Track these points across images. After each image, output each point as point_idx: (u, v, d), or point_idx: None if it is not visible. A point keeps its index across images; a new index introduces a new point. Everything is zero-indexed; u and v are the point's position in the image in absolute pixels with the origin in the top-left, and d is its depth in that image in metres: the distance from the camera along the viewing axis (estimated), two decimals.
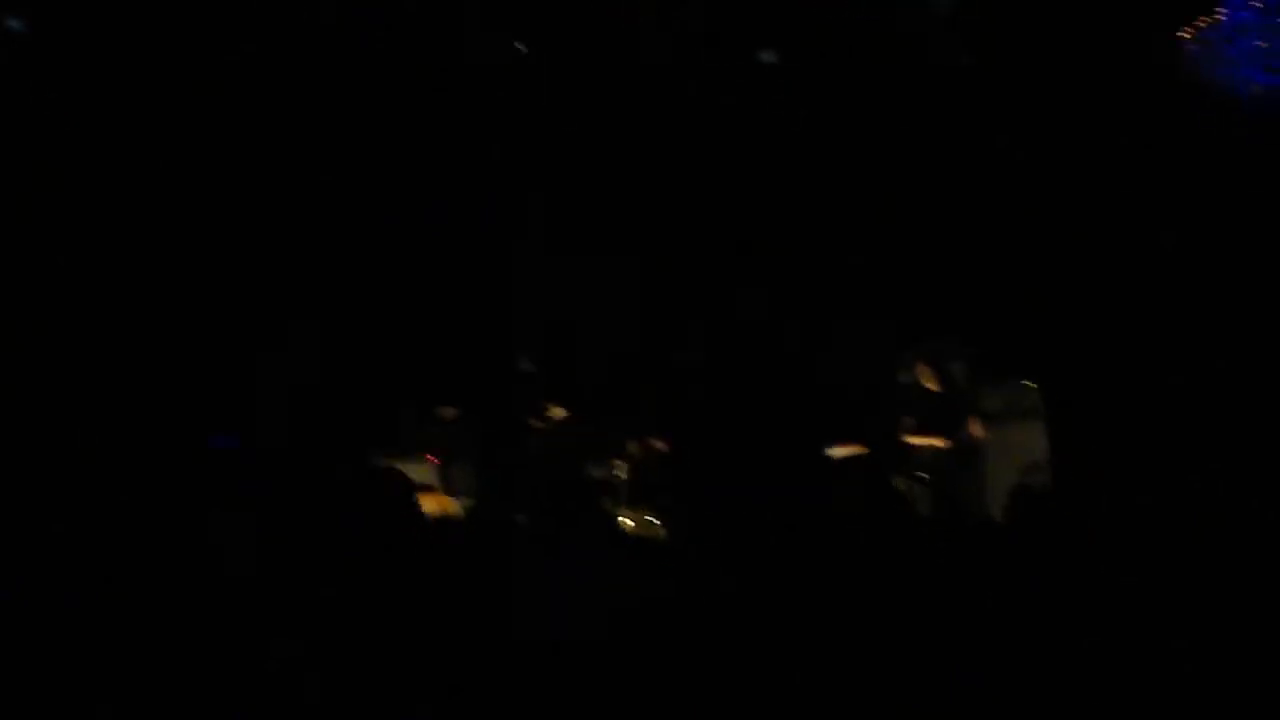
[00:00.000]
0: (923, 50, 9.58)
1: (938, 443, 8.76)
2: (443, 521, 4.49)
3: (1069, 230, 9.22)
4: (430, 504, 6.33)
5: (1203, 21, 8.71)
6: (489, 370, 10.41)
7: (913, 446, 8.86)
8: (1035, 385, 9.43)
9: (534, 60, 9.88)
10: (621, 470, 10.06)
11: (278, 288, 9.39)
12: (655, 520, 9.29)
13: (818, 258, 10.25)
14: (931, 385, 8.96)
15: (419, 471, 9.36)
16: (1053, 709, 3.30)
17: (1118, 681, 3.35)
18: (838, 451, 8.99)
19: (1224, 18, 8.62)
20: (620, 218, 10.27)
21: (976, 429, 8.72)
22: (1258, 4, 8.49)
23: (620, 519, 9.39)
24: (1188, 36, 8.77)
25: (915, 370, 9.08)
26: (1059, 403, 9.13)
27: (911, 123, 9.66)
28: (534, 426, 10.07)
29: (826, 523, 4.84)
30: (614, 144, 10.12)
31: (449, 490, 9.59)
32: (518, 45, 9.70)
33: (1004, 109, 9.38)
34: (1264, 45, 8.47)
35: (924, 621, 3.61)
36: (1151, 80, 8.88)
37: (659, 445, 10.11)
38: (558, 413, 10.03)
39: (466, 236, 10.24)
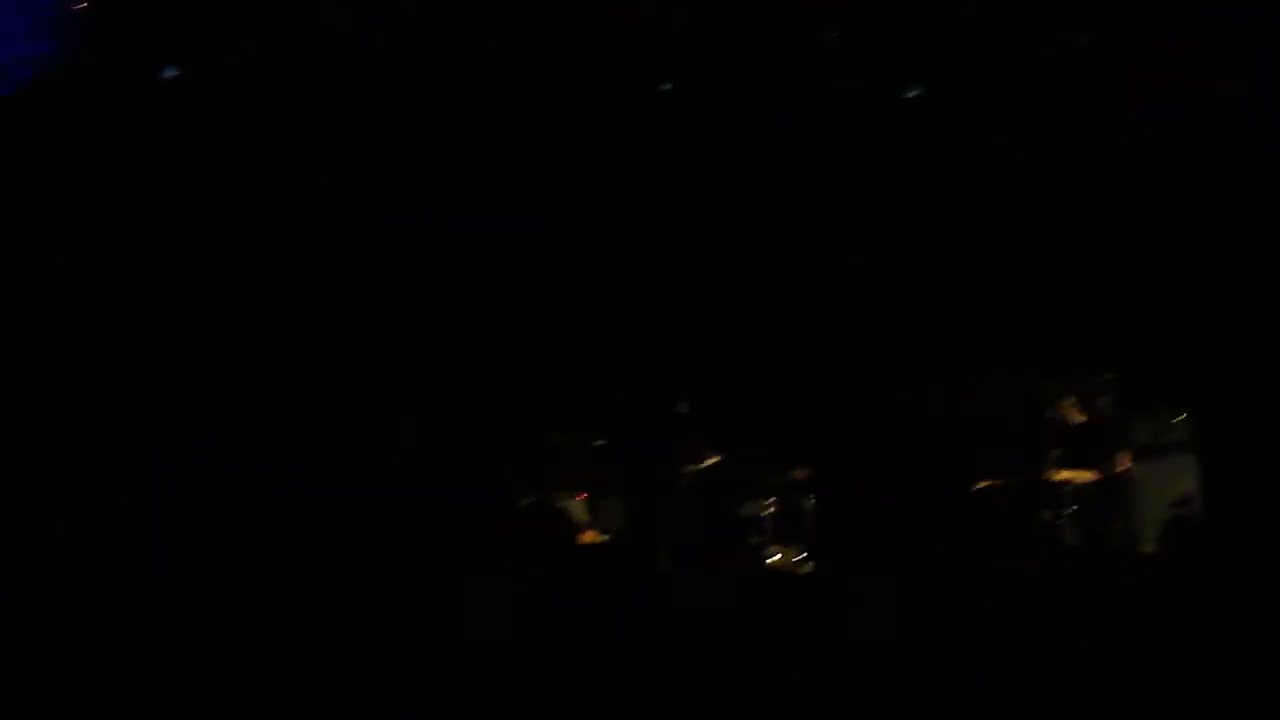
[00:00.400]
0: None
1: (1086, 476, 8.70)
2: (593, 554, 4.58)
3: (1221, 260, 9.08)
4: (583, 538, 6.46)
5: None
6: (642, 408, 10.49)
7: (1061, 480, 8.80)
8: (1185, 416, 9.30)
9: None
10: (770, 508, 10.09)
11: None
12: (804, 556, 9.34)
13: (965, 289, 10.20)
14: (1079, 418, 8.90)
15: (572, 506, 9.55)
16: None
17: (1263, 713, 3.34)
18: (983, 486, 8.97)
19: None
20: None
21: (1125, 462, 8.64)
22: None
23: (769, 556, 9.45)
24: None
25: (1062, 404, 9.03)
26: (1210, 434, 8.98)
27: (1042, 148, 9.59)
28: (684, 467, 10.14)
29: (973, 557, 4.87)
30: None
31: (599, 526, 9.73)
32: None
33: (1152, 131, 9.26)
34: None
35: (1072, 654, 3.63)
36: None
37: (806, 483, 10.14)
38: (708, 454, 10.10)
39: (617, 276, 10.32)
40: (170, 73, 8.68)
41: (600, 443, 10.26)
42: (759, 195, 10.11)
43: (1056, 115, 9.64)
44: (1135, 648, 3.75)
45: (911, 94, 9.86)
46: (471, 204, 9.73)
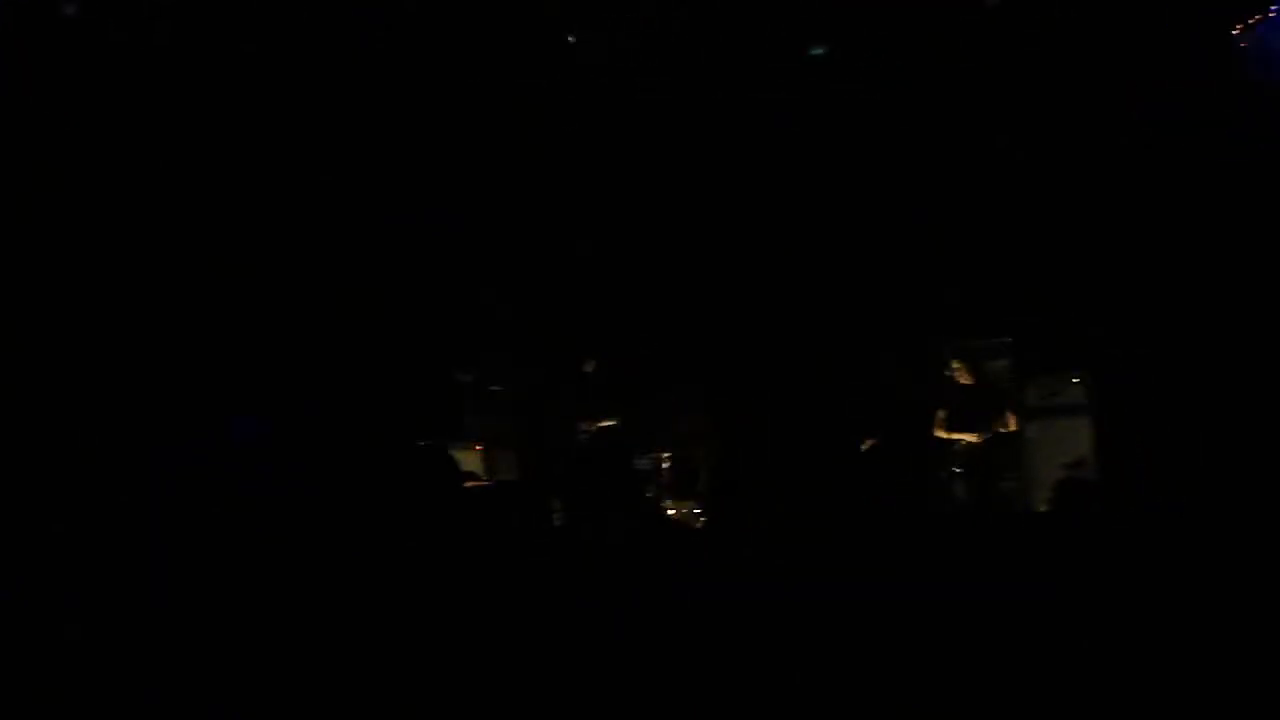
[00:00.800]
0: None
1: (971, 437, 8.80)
2: (485, 504, 4.52)
3: (1117, 225, 9.19)
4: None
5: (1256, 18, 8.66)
6: (541, 367, 10.47)
7: (948, 441, 8.90)
8: (1080, 380, 9.44)
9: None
10: (666, 462, 10.14)
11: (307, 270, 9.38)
12: (698, 510, 9.38)
13: (856, 252, 10.25)
14: (966, 380, 8.99)
15: (466, 457, 9.49)
16: (1088, 701, 3.32)
17: (1151, 674, 3.36)
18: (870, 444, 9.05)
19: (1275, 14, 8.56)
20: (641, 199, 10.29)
21: (1012, 423, 8.74)
22: None
23: (664, 507, 9.49)
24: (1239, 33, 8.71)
25: (951, 366, 9.12)
26: (1104, 397, 9.12)
27: (952, 113, 9.63)
28: (581, 424, 10.15)
29: (862, 514, 4.88)
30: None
31: (492, 476, 9.70)
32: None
33: (1053, 102, 9.33)
34: None
35: (958, 613, 3.63)
36: (1203, 77, 8.83)
37: (701, 438, 10.21)
38: (605, 415, 10.12)
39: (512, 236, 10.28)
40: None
41: (498, 394, 10.25)
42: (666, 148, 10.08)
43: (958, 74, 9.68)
44: (1024, 607, 3.74)
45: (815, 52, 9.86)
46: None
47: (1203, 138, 8.74)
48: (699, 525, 8.92)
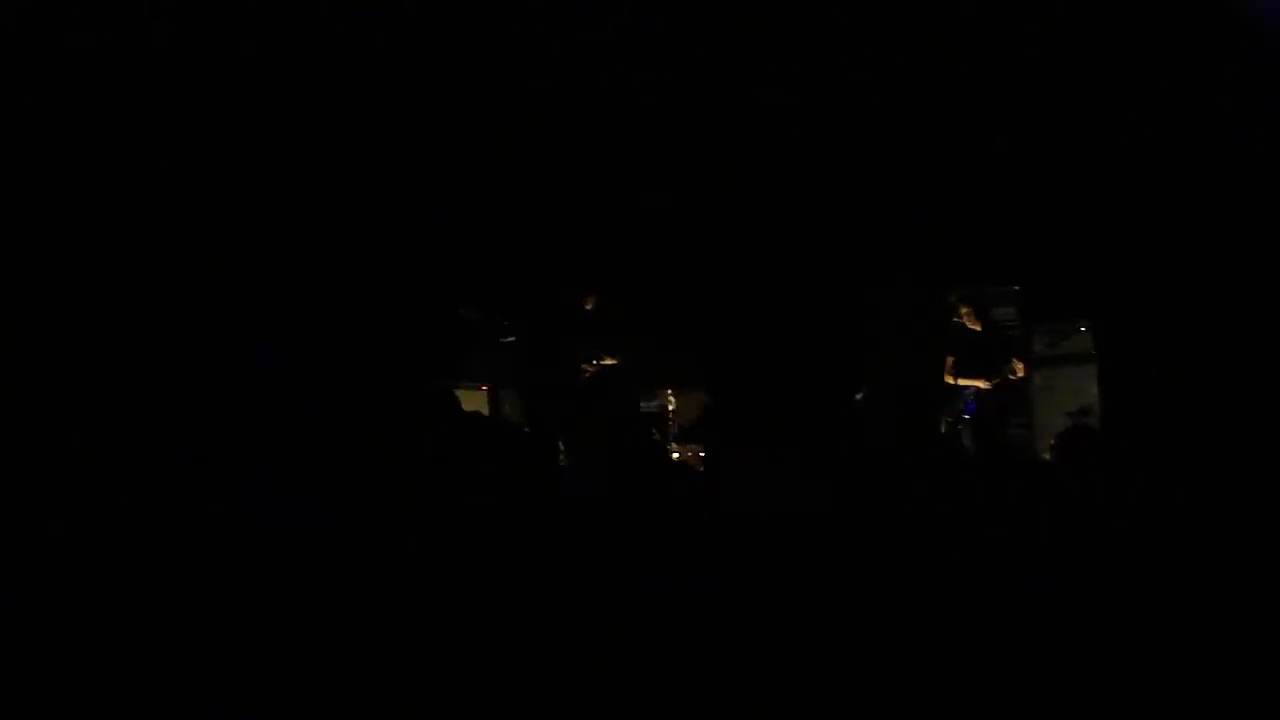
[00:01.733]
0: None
1: (979, 383, 8.79)
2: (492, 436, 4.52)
3: (1126, 174, 9.15)
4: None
5: None
6: (545, 308, 10.50)
7: (954, 387, 8.90)
8: (1086, 328, 9.44)
9: None
10: (670, 404, 10.18)
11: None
12: (702, 453, 9.41)
13: (870, 195, 10.23)
14: (974, 326, 8.97)
15: (471, 397, 9.54)
16: (1092, 654, 3.33)
17: (1153, 627, 3.37)
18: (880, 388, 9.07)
19: None
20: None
21: (1019, 370, 8.73)
22: None
23: (669, 448, 9.54)
24: None
25: (959, 312, 9.10)
26: (1111, 346, 9.12)
27: (962, 60, 9.57)
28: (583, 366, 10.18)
29: (865, 460, 4.88)
30: None
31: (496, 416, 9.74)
32: None
33: (1064, 48, 9.26)
34: None
35: (961, 560, 3.64)
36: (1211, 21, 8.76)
37: (705, 382, 10.27)
38: (606, 356, 10.14)
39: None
40: None
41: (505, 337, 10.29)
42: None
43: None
44: (1026, 554, 3.76)
45: None
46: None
47: (1217, 90, 8.70)
48: (703, 467, 8.95)
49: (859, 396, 9.18)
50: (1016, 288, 9.83)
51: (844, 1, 9.54)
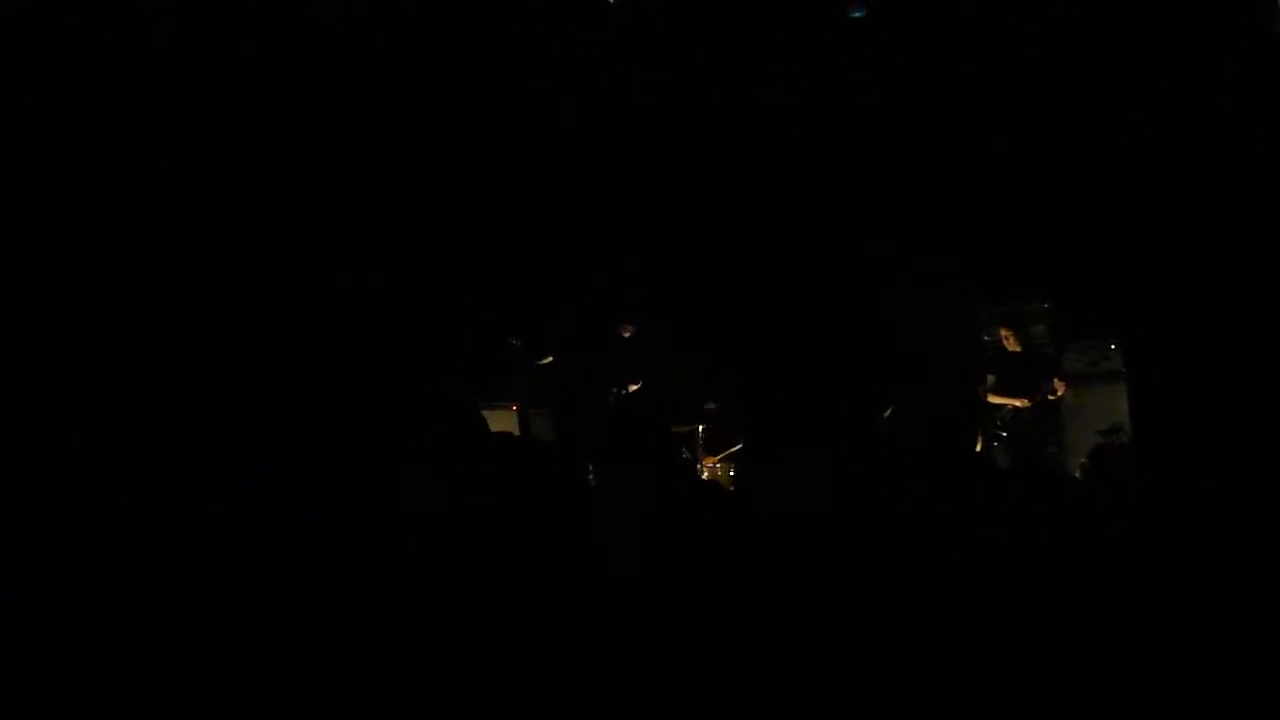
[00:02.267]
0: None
1: (1017, 402, 8.77)
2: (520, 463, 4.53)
3: (1157, 192, 9.12)
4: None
5: None
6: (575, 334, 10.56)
7: (993, 405, 8.88)
8: (1116, 346, 9.41)
9: None
10: (701, 426, 10.20)
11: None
12: (732, 471, 9.42)
13: (900, 215, 10.23)
14: (1012, 346, 8.95)
15: (501, 417, 9.58)
16: (1123, 666, 3.32)
17: (1184, 640, 3.36)
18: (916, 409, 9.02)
19: None
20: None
21: (1059, 390, 8.71)
22: None
23: (700, 466, 9.55)
24: None
25: (997, 330, 9.09)
26: (1140, 365, 9.08)
27: (993, 75, 9.57)
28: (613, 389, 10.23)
29: (901, 477, 4.86)
30: None
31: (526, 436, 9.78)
32: None
33: (1095, 61, 9.24)
34: None
35: (992, 576, 3.63)
36: (1247, 36, 8.73)
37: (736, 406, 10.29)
38: (634, 380, 10.19)
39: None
40: None
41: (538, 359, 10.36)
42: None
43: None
44: (1062, 572, 3.74)
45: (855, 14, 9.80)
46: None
47: (1247, 97, 8.66)
48: (734, 485, 8.95)
49: (888, 414, 9.16)
50: (1047, 305, 9.81)
51: (881, 13, 9.59)
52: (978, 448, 8.74)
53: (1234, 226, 8.66)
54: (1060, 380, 8.74)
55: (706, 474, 9.41)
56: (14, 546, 3.36)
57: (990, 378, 8.95)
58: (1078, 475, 7.05)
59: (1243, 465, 5.45)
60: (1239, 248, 8.63)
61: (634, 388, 10.12)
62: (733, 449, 9.51)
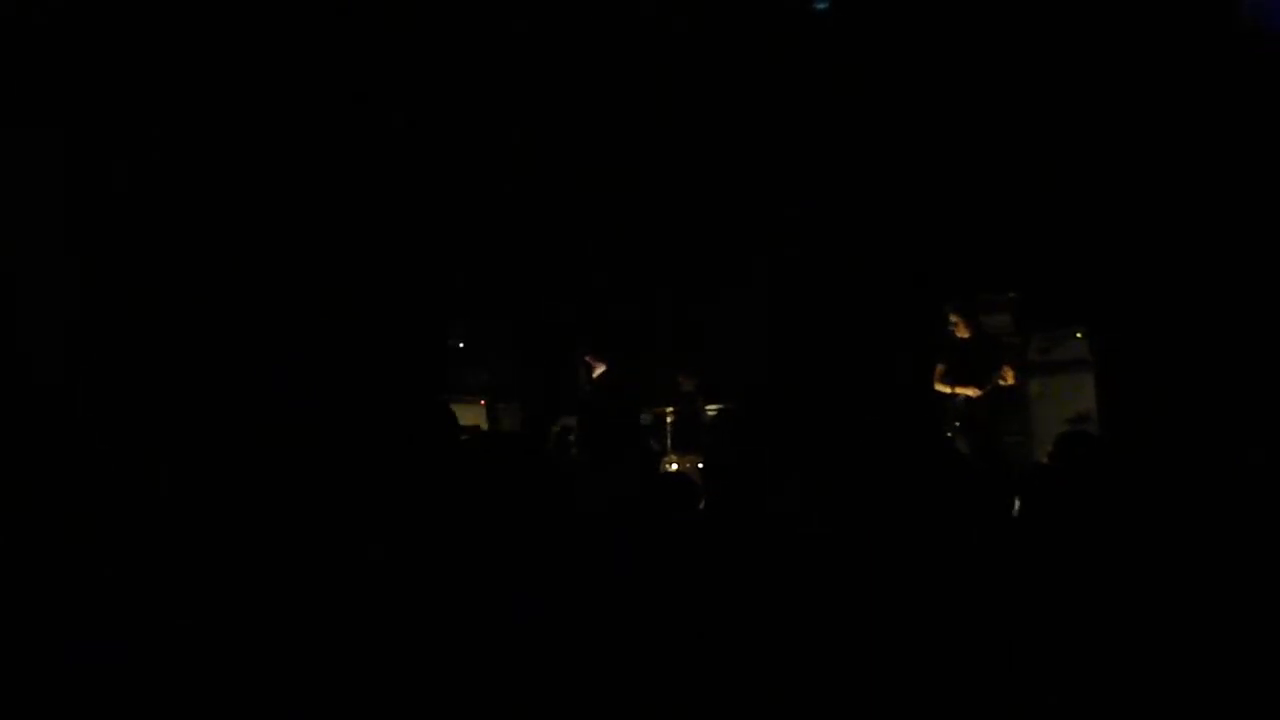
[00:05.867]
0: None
1: (970, 391, 8.77)
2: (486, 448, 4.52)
3: (1123, 177, 9.16)
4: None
5: None
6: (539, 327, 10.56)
7: (944, 394, 8.89)
8: (1083, 335, 9.44)
9: None
10: (668, 417, 10.20)
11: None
12: (700, 465, 9.41)
13: (866, 202, 10.25)
14: (962, 333, 8.95)
15: (470, 412, 9.55)
16: (1094, 653, 3.32)
17: (1155, 630, 3.37)
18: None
19: None
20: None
21: (1008, 377, 8.71)
22: None
23: (666, 460, 9.54)
24: None
25: (949, 319, 9.08)
26: (1107, 353, 9.12)
27: (958, 66, 9.59)
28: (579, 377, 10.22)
29: (856, 466, 4.87)
30: None
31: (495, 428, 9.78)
32: None
33: (1059, 51, 9.27)
34: None
35: (959, 567, 3.63)
36: (1208, 28, 8.77)
37: (699, 396, 10.30)
38: (597, 363, 10.16)
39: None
40: None
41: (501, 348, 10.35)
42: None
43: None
44: (1024, 563, 3.75)
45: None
46: None
47: (1210, 86, 8.70)
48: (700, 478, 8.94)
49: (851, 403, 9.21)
50: (1012, 295, 9.83)
51: (844, 8, 9.60)
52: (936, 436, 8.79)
53: (1201, 213, 8.70)
54: (1010, 368, 8.71)
55: (675, 466, 9.39)
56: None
57: (940, 367, 8.93)
58: (1044, 463, 7.08)
59: (1211, 451, 5.48)
60: (1206, 234, 8.67)
61: (600, 370, 10.07)
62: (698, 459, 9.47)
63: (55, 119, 8.01)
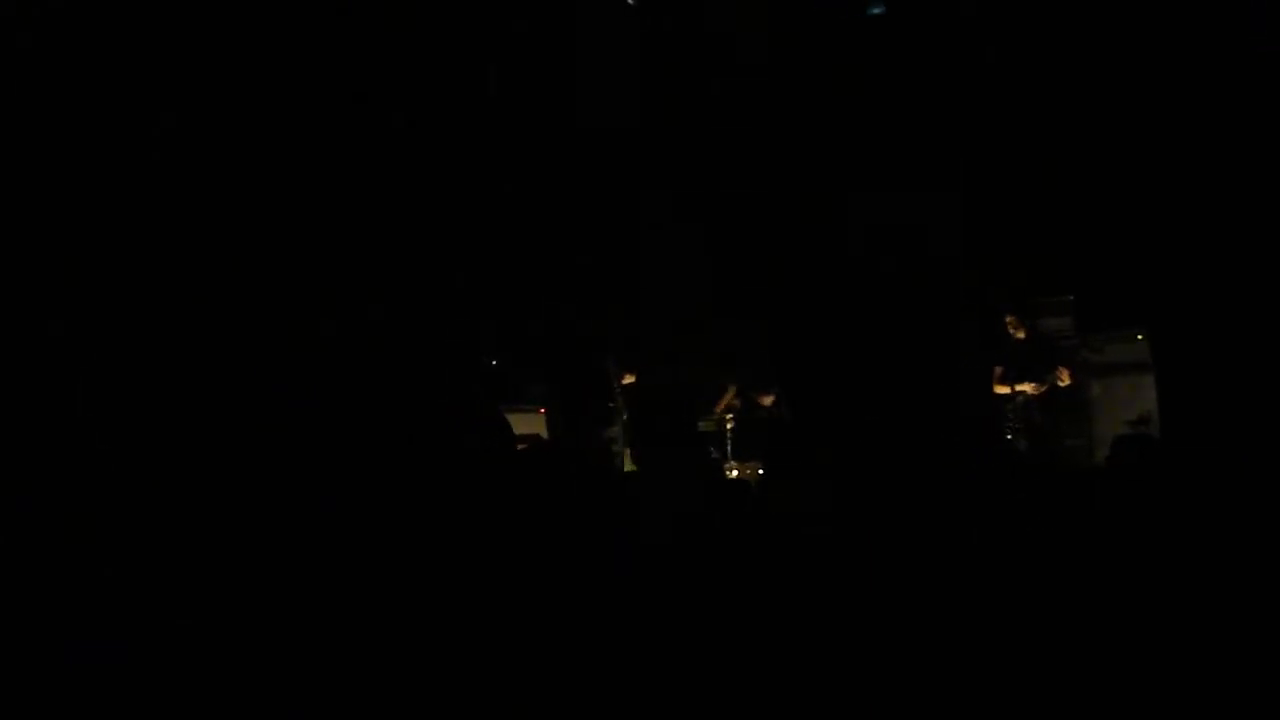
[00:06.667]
0: None
1: (1027, 389, 8.79)
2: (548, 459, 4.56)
3: (1185, 180, 9.08)
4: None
5: None
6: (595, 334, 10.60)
7: (1004, 395, 8.90)
8: (1144, 337, 9.38)
9: None
10: (729, 424, 10.21)
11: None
12: (760, 471, 9.42)
13: (922, 205, 10.22)
14: (1020, 335, 8.97)
15: (529, 421, 9.61)
16: (1150, 651, 3.32)
17: (1211, 629, 3.36)
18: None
19: None
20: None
21: (1064, 378, 8.71)
22: None
23: (726, 467, 9.57)
24: None
25: (1006, 320, 9.09)
26: (1167, 355, 9.05)
27: (1011, 64, 9.56)
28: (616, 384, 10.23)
29: (922, 465, 4.87)
30: None
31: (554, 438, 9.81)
32: None
33: (1113, 50, 9.21)
34: None
35: (1017, 568, 3.64)
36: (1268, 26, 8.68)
37: (763, 400, 10.28)
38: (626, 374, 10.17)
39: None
40: None
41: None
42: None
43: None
44: (1084, 562, 3.76)
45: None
46: None
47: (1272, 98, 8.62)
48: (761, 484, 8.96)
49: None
50: (1070, 297, 9.80)
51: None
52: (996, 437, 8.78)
53: (1261, 215, 8.62)
54: (1065, 369, 8.75)
55: (735, 473, 9.42)
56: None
57: (998, 369, 8.97)
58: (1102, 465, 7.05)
59: (1268, 455, 5.44)
60: (1266, 237, 8.59)
61: (629, 380, 10.07)
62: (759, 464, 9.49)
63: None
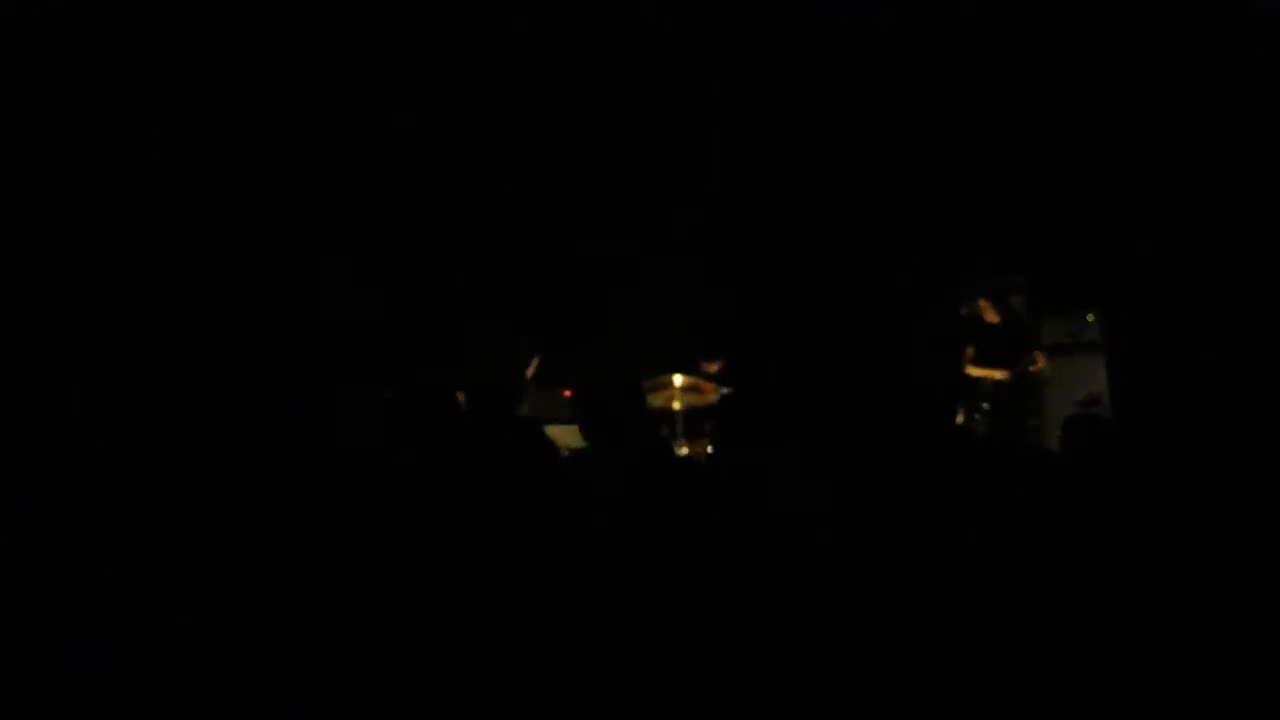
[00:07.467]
0: None
1: (997, 374, 8.79)
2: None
3: (1133, 163, 9.12)
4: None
5: None
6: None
7: (973, 378, 8.90)
8: (1094, 318, 9.42)
9: None
10: (678, 402, 10.15)
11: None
12: (710, 450, 9.38)
13: (875, 190, 10.22)
14: (991, 317, 8.97)
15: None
16: (1103, 633, 3.31)
17: (1163, 611, 3.36)
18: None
19: None
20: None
21: (1039, 361, 8.74)
22: None
23: (676, 445, 9.52)
24: None
25: (976, 303, 9.10)
26: (1117, 336, 9.10)
27: (970, 49, 9.56)
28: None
29: (886, 451, 4.85)
30: None
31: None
32: None
33: (1070, 32, 9.23)
34: None
35: (976, 549, 3.63)
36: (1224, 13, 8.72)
37: (712, 380, 10.25)
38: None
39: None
40: None
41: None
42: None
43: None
44: (1038, 545, 3.74)
45: None
46: None
47: (1227, 70, 8.65)
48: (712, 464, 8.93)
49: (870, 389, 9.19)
50: (1024, 278, 9.83)
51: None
52: (959, 421, 8.78)
53: (1213, 197, 8.67)
54: (1040, 352, 8.78)
55: (685, 450, 9.38)
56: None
57: (970, 351, 8.97)
58: (1055, 449, 7.06)
59: (1221, 436, 5.46)
60: (1217, 219, 8.64)
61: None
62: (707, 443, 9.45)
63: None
